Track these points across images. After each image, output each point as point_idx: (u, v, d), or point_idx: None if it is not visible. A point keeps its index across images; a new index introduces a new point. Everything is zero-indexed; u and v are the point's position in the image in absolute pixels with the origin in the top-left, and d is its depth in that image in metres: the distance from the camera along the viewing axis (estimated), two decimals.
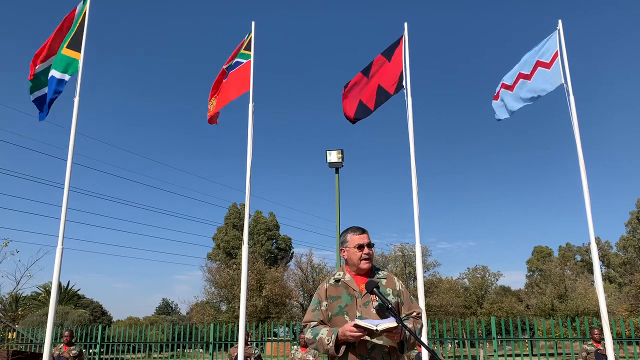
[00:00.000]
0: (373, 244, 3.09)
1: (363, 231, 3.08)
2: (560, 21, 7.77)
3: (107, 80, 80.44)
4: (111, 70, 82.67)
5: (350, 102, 8.11)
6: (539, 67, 7.73)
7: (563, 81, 7.48)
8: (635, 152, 76.72)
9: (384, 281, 3.05)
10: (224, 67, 8.29)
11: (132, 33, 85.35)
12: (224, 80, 8.20)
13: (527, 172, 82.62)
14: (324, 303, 3.02)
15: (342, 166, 12.73)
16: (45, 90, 7.79)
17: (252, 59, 8.12)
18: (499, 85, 8.24)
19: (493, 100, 8.33)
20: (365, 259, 3.01)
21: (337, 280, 3.06)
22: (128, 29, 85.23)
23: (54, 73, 7.79)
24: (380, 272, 3.10)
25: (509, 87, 8.03)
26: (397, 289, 3.04)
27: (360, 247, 3.02)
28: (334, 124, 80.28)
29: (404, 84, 7.55)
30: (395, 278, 3.12)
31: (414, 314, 3.01)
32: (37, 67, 7.79)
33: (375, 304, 2.88)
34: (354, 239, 3.05)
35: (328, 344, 2.77)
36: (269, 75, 73.71)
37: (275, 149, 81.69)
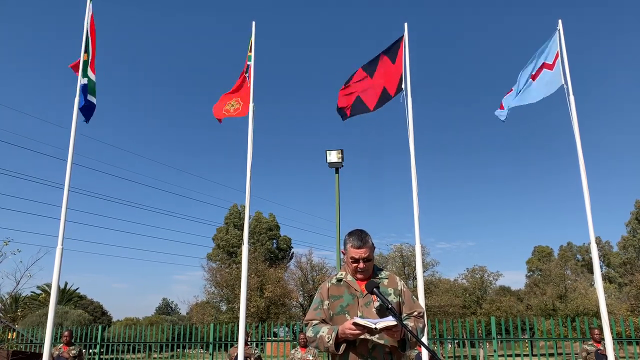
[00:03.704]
0: (370, 259, 2.98)
1: (361, 245, 2.95)
2: (560, 21, 7.78)
3: (106, 80, 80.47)
4: (111, 70, 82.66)
5: (347, 97, 8.02)
6: (544, 69, 7.73)
7: (563, 81, 7.49)
8: (635, 152, 76.80)
9: (385, 281, 3.04)
10: (243, 73, 8.35)
11: (131, 33, 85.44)
12: (247, 85, 8.21)
13: (527, 172, 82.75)
14: (326, 302, 3.02)
15: (342, 166, 12.73)
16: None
17: (252, 60, 8.15)
18: (505, 94, 8.10)
19: (499, 110, 8.15)
20: (359, 272, 2.99)
21: (339, 280, 3.06)
22: (127, 29, 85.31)
23: (83, 81, 8.05)
24: (382, 272, 3.09)
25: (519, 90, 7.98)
26: (399, 288, 3.04)
27: (355, 261, 2.98)
28: (334, 124, 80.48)
29: (403, 86, 7.55)
30: (397, 278, 3.11)
31: (415, 313, 3.01)
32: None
33: (377, 304, 2.89)
34: (350, 251, 2.98)
35: (328, 342, 2.78)
36: (269, 75, 73.78)
37: (275, 149, 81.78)
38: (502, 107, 8.15)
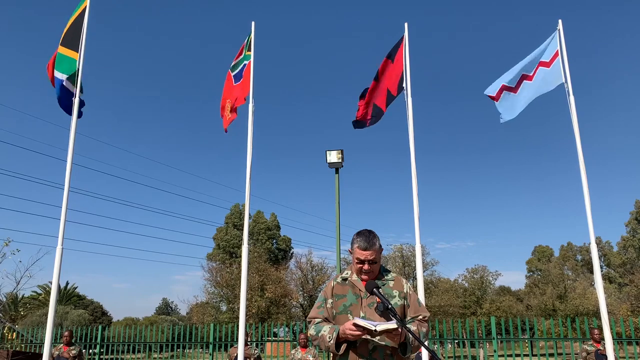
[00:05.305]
0: (376, 261, 2.96)
1: (367, 247, 2.93)
2: (560, 21, 7.77)
3: (107, 80, 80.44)
4: (111, 70, 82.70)
5: (365, 108, 8.10)
6: (540, 67, 7.73)
7: (563, 80, 7.48)
8: (635, 152, 76.78)
9: (391, 283, 3.03)
10: (230, 71, 8.29)
11: (132, 33, 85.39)
12: (234, 85, 8.17)
13: (527, 172, 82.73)
14: (330, 301, 3.02)
15: (342, 166, 12.74)
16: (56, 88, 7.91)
17: (252, 59, 8.14)
18: (499, 87, 8.08)
19: (495, 102, 8.18)
20: (364, 273, 2.98)
21: (345, 279, 3.06)
22: (128, 29, 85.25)
23: (57, 74, 7.85)
24: (389, 274, 3.08)
25: (512, 89, 7.95)
26: (405, 291, 3.02)
27: (361, 262, 2.97)
28: (334, 124, 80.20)
29: (404, 84, 7.57)
30: (404, 280, 3.09)
31: (420, 317, 2.99)
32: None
33: (381, 305, 2.86)
34: (356, 252, 2.97)
35: (329, 342, 2.78)
36: (269, 75, 73.75)
37: (275, 149, 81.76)
38: (496, 99, 8.03)
